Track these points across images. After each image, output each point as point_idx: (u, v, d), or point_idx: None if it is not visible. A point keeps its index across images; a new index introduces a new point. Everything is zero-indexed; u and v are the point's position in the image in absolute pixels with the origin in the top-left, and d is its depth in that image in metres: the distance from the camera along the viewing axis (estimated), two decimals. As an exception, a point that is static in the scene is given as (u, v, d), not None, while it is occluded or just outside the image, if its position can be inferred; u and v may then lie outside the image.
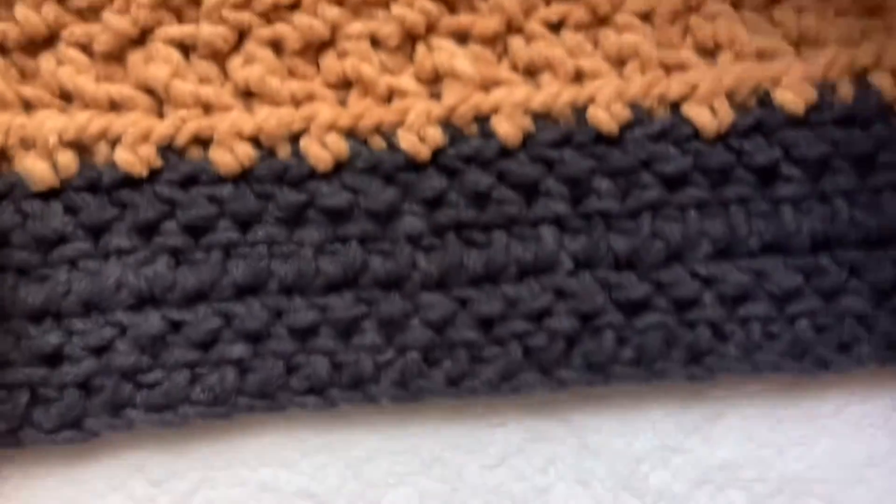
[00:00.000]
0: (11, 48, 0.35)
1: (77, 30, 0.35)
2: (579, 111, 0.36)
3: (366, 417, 0.38)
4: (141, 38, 0.35)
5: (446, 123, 0.35)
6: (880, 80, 0.36)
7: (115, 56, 0.36)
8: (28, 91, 0.35)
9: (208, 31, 0.35)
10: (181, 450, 0.37)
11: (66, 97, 0.36)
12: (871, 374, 0.38)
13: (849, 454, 0.38)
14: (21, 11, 0.35)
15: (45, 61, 0.35)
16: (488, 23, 0.35)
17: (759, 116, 0.36)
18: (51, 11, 0.35)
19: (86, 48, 0.35)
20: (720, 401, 0.38)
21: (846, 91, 0.36)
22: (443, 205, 0.36)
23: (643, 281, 0.36)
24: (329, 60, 0.36)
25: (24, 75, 0.36)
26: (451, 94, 0.35)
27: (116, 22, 0.35)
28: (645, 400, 0.38)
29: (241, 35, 0.35)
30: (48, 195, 0.35)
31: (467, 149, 0.36)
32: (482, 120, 0.36)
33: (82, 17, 0.35)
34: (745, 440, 0.38)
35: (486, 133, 0.36)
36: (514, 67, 0.36)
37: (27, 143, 0.35)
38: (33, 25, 0.35)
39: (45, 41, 0.35)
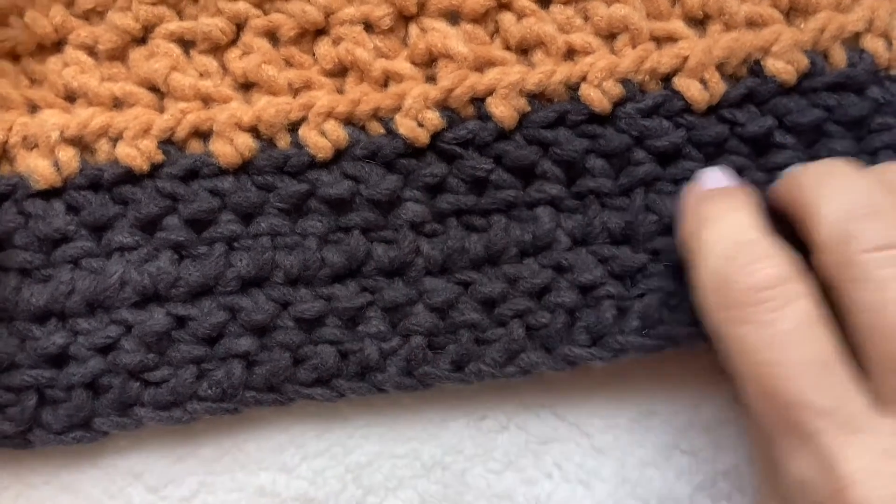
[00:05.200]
0: (21, 53, 0.36)
1: (83, 32, 0.36)
2: (572, 89, 0.36)
3: (366, 421, 0.38)
4: (143, 36, 0.36)
5: (443, 106, 0.35)
6: (872, 45, 0.36)
7: (119, 56, 0.36)
8: (34, 93, 0.36)
9: (206, 23, 0.35)
10: (179, 455, 0.37)
11: (71, 98, 0.36)
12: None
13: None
14: (30, 15, 0.35)
15: (52, 64, 0.36)
16: (478, -1, 0.35)
17: (750, 86, 0.36)
18: (58, 14, 0.35)
19: (91, 50, 0.36)
20: (728, 404, 0.37)
21: (839, 57, 0.36)
22: (443, 190, 0.36)
23: (638, 253, 0.36)
24: (324, 47, 0.36)
25: (33, 81, 0.36)
26: (447, 76, 0.35)
27: (120, 20, 0.35)
28: (651, 402, 0.38)
29: (239, 28, 0.36)
30: (50, 194, 0.35)
31: (465, 132, 0.36)
32: (479, 101, 0.36)
33: (87, 19, 0.36)
34: (751, 445, 0.37)
35: (483, 115, 0.36)
36: (507, 46, 0.36)
37: (29, 142, 0.35)
38: (41, 28, 0.35)
39: (54, 46, 0.36)
